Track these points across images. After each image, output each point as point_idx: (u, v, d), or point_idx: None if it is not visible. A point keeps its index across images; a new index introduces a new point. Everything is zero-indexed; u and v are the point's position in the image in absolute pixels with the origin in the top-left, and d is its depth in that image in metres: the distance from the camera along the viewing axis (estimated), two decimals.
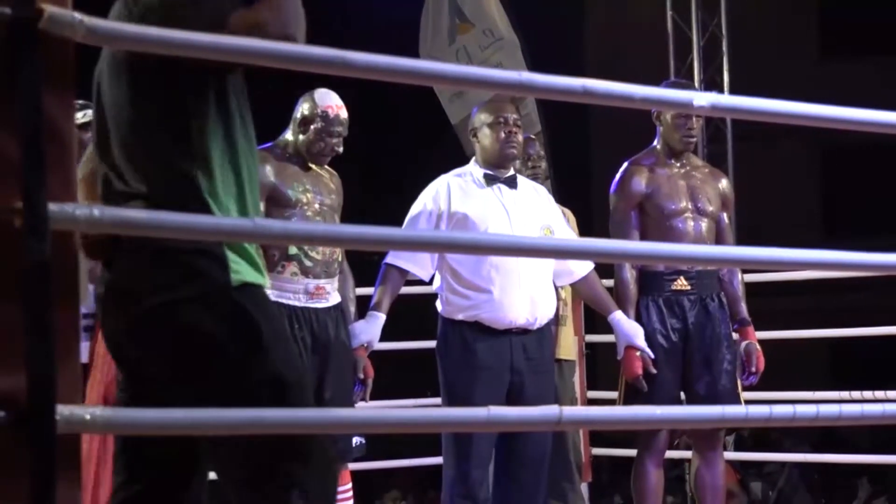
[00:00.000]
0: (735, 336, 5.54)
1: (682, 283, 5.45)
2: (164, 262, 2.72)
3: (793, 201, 17.32)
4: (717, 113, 3.06)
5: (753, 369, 5.47)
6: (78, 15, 2.13)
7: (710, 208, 5.53)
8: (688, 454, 6.05)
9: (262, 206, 4.91)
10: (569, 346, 6.07)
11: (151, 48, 2.40)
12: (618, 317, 5.32)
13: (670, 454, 6.20)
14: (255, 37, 2.57)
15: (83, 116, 4.90)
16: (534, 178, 5.92)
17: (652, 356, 5.32)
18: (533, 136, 6.40)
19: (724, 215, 5.61)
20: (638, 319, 5.39)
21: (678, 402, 5.41)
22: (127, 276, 2.78)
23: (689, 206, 5.49)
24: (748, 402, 5.71)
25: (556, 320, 5.79)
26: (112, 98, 2.86)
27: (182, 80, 2.76)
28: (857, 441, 12.19)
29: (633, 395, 5.35)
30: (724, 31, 11.63)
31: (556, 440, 5.74)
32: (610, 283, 5.52)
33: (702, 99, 2.91)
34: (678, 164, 5.55)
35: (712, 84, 11.62)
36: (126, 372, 2.90)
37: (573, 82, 2.72)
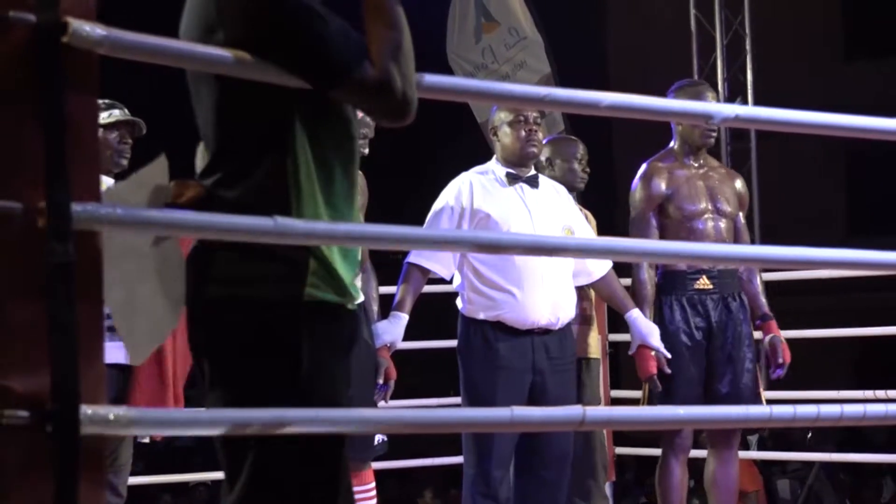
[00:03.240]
0: (758, 333, 5.56)
1: (704, 283, 5.46)
2: (235, 258, 2.54)
3: (817, 199, 17.26)
4: (739, 124, 3.03)
5: (780, 361, 5.48)
6: (101, 29, 2.12)
7: (729, 209, 5.55)
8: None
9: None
10: (595, 344, 6.08)
11: (175, 62, 2.40)
12: (634, 315, 5.32)
13: (698, 454, 6.19)
14: (379, 95, 2.52)
15: (108, 117, 4.89)
16: (587, 179, 5.96)
17: (668, 356, 5.33)
18: (574, 138, 6.36)
19: (741, 215, 5.64)
20: (661, 319, 5.41)
21: (702, 400, 5.41)
22: (200, 267, 2.59)
23: (709, 207, 5.51)
24: (771, 401, 5.69)
25: (583, 319, 5.79)
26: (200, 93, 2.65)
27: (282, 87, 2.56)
28: (879, 440, 12.14)
29: (657, 394, 5.35)
30: (747, 30, 11.62)
31: (584, 439, 5.75)
32: (628, 282, 5.52)
33: (724, 112, 2.90)
34: (696, 165, 5.56)
35: (735, 82, 11.61)
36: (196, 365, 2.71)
37: (595, 96, 2.72)
